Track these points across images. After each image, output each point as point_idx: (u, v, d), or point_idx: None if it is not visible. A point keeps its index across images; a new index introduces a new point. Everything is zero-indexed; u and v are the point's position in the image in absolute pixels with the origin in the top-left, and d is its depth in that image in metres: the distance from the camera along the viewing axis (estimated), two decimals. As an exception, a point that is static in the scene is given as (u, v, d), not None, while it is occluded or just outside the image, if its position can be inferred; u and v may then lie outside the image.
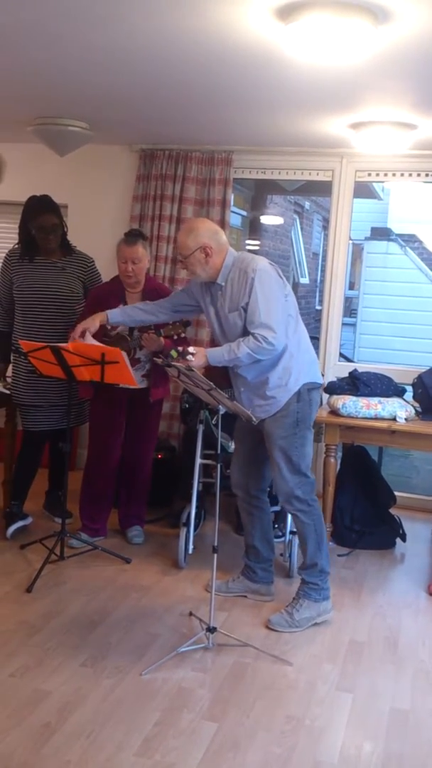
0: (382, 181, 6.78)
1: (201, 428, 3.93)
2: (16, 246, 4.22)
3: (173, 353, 3.30)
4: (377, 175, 4.94)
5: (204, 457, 3.93)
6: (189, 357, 3.19)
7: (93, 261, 4.33)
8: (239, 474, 3.54)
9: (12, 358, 4.27)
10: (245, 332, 3.24)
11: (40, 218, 4.06)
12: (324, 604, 3.40)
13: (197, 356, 3.21)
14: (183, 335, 3.85)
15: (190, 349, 3.22)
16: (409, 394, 4.49)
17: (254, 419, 3.21)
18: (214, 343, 3.78)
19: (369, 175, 4.94)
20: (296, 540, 3.87)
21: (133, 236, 3.88)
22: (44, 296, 4.12)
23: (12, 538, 4.09)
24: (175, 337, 3.81)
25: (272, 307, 3.20)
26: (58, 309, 4.13)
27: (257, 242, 9.15)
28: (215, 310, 3.39)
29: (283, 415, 3.29)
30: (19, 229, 4.20)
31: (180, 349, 3.27)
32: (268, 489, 3.63)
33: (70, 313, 4.13)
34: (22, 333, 4.10)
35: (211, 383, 3.09)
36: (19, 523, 4.17)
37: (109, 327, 3.91)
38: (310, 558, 3.38)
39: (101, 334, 3.89)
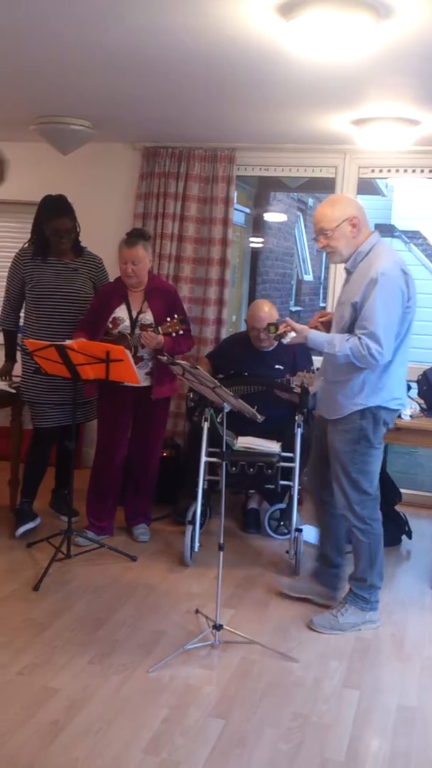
0: (386, 178, 6.76)
1: (206, 426, 3.94)
2: (26, 245, 4.23)
3: (271, 328, 3.26)
4: (380, 171, 4.93)
5: (209, 454, 3.94)
6: (285, 340, 3.16)
7: (102, 261, 4.35)
8: (313, 480, 3.44)
9: (20, 356, 4.29)
10: (348, 329, 3.08)
11: (55, 221, 4.06)
12: (371, 614, 3.31)
13: (296, 337, 3.13)
14: (182, 332, 3.85)
15: (291, 333, 3.15)
16: (413, 391, 4.48)
17: (259, 417, 3.20)
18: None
19: (372, 171, 4.93)
20: (302, 537, 3.87)
21: (133, 237, 3.89)
22: (58, 297, 4.13)
23: (20, 537, 4.11)
24: (174, 334, 3.82)
25: (388, 319, 2.98)
26: (70, 309, 4.14)
27: (261, 240, 9.14)
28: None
29: (345, 429, 3.15)
30: (33, 228, 4.20)
31: (279, 327, 3.20)
32: None
33: (81, 313, 4.14)
34: (33, 332, 4.10)
35: (216, 381, 3.08)
36: (29, 525, 4.18)
37: (110, 326, 3.92)
38: (361, 573, 3.30)
39: (103, 333, 3.91)
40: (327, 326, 3.34)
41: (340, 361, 3.05)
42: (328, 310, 5.11)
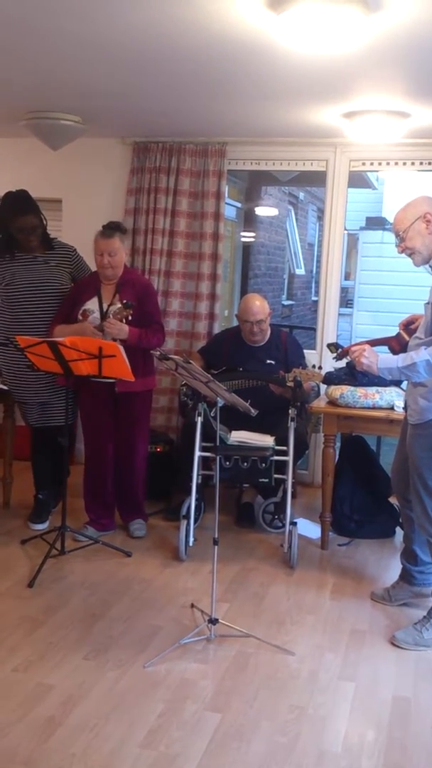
0: (376, 170, 6.75)
1: (199, 420, 3.94)
2: None
3: (331, 348, 3.21)
4: (371, 164, 4.93)
5: (203, 449, 3.94)
6: (347, 359, 3.10)
7: (75, 249, 4.29)
8: (396, 477, 3.40)
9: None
10: (430, 330, 2.98)
11: (20, 220, 3.99)
12: None
13: (368, 367, 2.99)
14: (130, 318, 3.83)
15: (360, 358, 3.02)
16: (406, 384, 4.49)
17: (252, 412, 3.19)
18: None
19: (363, 164, 4.93)
20: (296, 530, 3.88)
21: (110, 229, 3.93)
22: (35, 292, 4.08)
23: (28, 527, 4.21)
24: (123, 321, 3.81)
25: None
26: (48, 302, 4.10)
27: (252, 234, 9.13)
28: None
29: (423, 435, 3.07)
30: None
31: (339, 350, 3.18)
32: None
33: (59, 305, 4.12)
34: (15, 331, 4.06)
35: (209, 375, 3.08)
36: (40, 526, 4.23)
37: (80, 318, 3.90)
38: None
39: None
40: (411, 334, 3.26)
41: (420, 370, 2.90)
42: (321, 303, 5.13)
